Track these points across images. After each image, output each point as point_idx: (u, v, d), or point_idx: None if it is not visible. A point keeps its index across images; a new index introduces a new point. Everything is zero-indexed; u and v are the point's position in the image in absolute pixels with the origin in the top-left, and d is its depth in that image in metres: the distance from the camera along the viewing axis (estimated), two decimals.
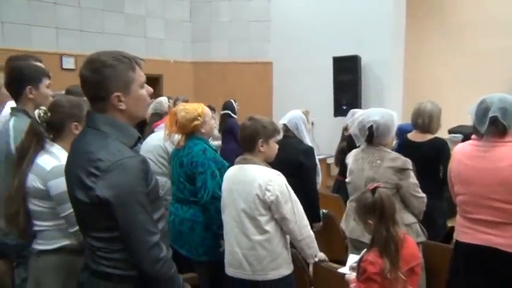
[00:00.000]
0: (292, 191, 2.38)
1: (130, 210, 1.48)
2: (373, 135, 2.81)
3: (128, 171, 1.48)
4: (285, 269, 2.40)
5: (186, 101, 4.57)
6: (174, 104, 4.82)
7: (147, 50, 7.98)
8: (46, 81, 2.43)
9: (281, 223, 2.36)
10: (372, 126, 2.79)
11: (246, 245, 2.36)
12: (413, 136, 3.52)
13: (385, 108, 3.00)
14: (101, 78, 1.51)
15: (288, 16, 8.30)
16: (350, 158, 3.00)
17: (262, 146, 2.43)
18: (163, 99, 4.77)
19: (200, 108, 2.89)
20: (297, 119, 3.55)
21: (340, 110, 7.19)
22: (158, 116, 4.28)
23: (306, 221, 2.41)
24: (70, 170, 1.59)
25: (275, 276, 2.36)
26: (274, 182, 2.32)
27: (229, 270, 2.45)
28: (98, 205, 1.47)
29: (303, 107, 4.62)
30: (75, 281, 1.74)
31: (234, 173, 2.48)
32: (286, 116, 3.61)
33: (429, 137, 3.43)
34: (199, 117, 2.82)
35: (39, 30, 7.03)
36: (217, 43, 8.86)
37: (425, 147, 3.39)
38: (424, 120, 3.43)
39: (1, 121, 2.52)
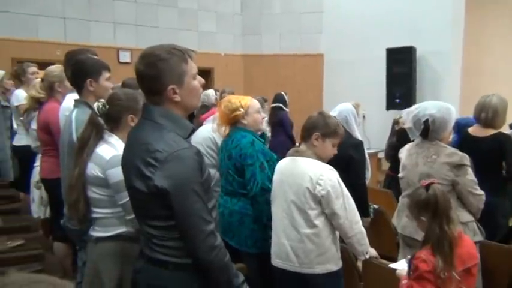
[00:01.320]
0: (344, 186, 2.34)
1: (187, 200, 1.52)
2: (428, 130, 2.71)
3: (184, 161, 1.52)
4: (333, 264, 2.37)
5: (232, 93, 4.62)
6: (221, 96, 4.90)
7: (199, 43, 8.12)
8: (106, 74, 2.52)
9: (331, 218, 2.34)
10: (427, 120, 2.69)
11: (294, 237, 2.36)
12: (475, 131, 3.35)
13: (441, 101, 2.89)
14: (156, 72, 1.54)
15: (340, 7, 8.15)
16: (403, 153, 2.92)
17: (316, 139, 2.40)
18: (210, 92, 4.86)
19: (245, 100, 2.90)
20: (347, 112, 3.49)
21: (393, 103, 7.00)
22: (205, 108, 4.36)
23: (357, 217, 2.37)
24: (127, 160, 1.65)
25: (322, 270, 2.34)
26: (325, 177, 2.30)
27: (276, 261, 2.46)
28: (155, 194, 1.52)
29: (354, 100, 4.55)
30: (130, 268, 1.82)
31: (285, 165, 2.48)
32: (335, 108, 3.56)
33: (491, 132, 3.26)
34: (241, 108, 2.83)
35: (98, 26, 7.33)
36: (267, 35, 8.86)
37: (488, 142, 3.22)
38: (487, 114, 3.25)
39: (65, 113, 2.66)
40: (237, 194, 2.82)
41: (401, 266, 2.25)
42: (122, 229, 2.04)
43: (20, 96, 4.03)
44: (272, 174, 2.60)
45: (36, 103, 3.51)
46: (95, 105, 2.13)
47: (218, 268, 1.59)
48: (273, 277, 2.55)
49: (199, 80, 1.65)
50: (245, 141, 2.76)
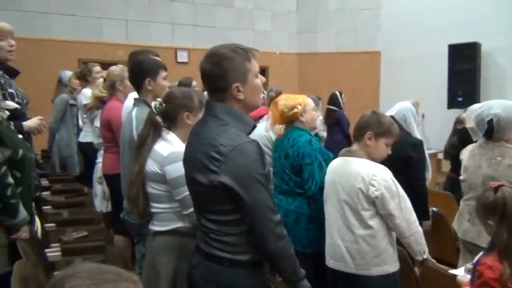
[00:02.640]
0: (399, 186, 2.27)
1: (254, 191, 1.56)
2: (492, 130, 2.57)
3: (248, 154, 1.56)
4: (390, 266, 2.31)
5: (280, 93, 4.61)
6: (268, 95, 4.90)
7: (255, 42, 8.17)
8: (163, 74, 2.60)
9: (386, 219, 2.28)
10: (491, 119, 2.55)
11: (349, 238, 2.32)
12: None
13: (507, 100, 2.72)
14: (222, 70, 1.59)
15: (398, 2, 7.91)
16: (465, 154, 2.78)
17: (369, 139, 2.35)
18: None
19: (301, 98, 2.89)
20: (406, 111, 3.38)
21: (455, 101, 6.71)
22: None
23: (414, 217, 2.30)
24: (190, 155, 1.70)
25: (379, 272, 2.28)
26: (378, 177, 2.24)
27: (330, 262, 2.43)
28: (218, 188, 1.56)
29: (413, 98, 4.39)
30: (186, 262, 1.87)
31: (337, 165, 2.44)
32: (394, 107, 3.46)
33: None
34: (298, 106, 2.82)
35: (157, 27, 7.59)
36: (323, 33, 8.77)
37: None
38: None
39: (127, 111, 2.78)
40: (293, 194, 2.81)
41: (462, 272, 2.15)
42: (178, 224, 2.09)
43: (86, 95, 4.26)
44: None
45: (100, 102, 3.68)
46: (152, 104, 2.20)
47: (285, 258, 1.62)
48: (327, 277, 2.52)
49: (260, 79, 1.68)
50: (302, 140, 2.75)
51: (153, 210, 2.16)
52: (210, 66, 1.61)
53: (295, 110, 2.82)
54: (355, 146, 2.43)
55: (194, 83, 4.38)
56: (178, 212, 2.08)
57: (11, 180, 2.12)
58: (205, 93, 2.01)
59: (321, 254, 2.57)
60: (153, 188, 2.13)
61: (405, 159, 3.11)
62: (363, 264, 2.29)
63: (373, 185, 2.23)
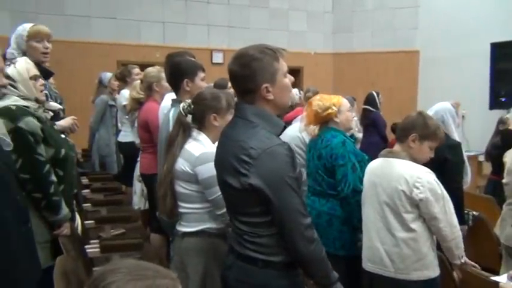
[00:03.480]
0: (443, 189, 2.20)
1: (284, 194, 1.55)
2: None
3: (278, 157, 1.55)
4: (431, 271, 2.24)
5: (316, 93, 4.58)
6: (305, 96, 4.87)
7: (289, 43, 8.15)
8: (201, 75, 2.63)
9: (429, 223, 2.21)
10: None
11: (389, 241, 2.27)
12: None
13: None
14: (250, 71, 1.59)
15: (438, 0, 7.69)
16: (509, 156, 2.68)
17: (413, 141, 2.29)
18: (294, 91, 4.85)
19: (336, 98, 2.85)
20: (444, 112, 3.28)
21: (497, 102, 6.46)
22: (290, 107, 4.36)
23: (456, 220, 2.23)
24: (221, 157, 1.71)
25: (419, 277, 2.22)
26: (423, 179, 2.18)
27: (368, 265, 2.39)
28: (248, 191, 1.56)
29: (453, 99, 4.26)
30: (216, 264, 1.88)
31: (378, 166, 2.39)
32: (432, 108, 3.37)
33: None
34: (333, 106, 2.79)
35: (193, 28, 7.70)
36: (359, 33, 8.64)
37: None
38: None
39: (164, 112, 2.83)
40: (326, 195, 2.78)
41: (504, 279, 2.07)
42: (207, 225, 2.10)
43: (125, 96, 4.37)
44: (363, 175, 2.53)
45: (137, 103, 3.77)
46: (181, 105, 2.21)
47: (316, 261, 1.61)
48: (360, 281, 2.48)
49: (289, 78, 1.68)
50: (336, 141, 2.72)
51: (181, 210, 2.16)
52: (238, 68, 1.61)
53: (330, 111, 2.79)
54: (397, 147, 2.37)
55: (229, 84, 4.40)
56: (209, 212, 2.09)
57: (54, 178, 2.20)
58: None
59: (354, 256, 2.53)
60: (183, 188, 2.13)
61: (442, 162, 3.02)
62: (402, 268, 2.24)
63: (417, 188, 2.17)
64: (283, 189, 1.55)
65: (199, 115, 2.16)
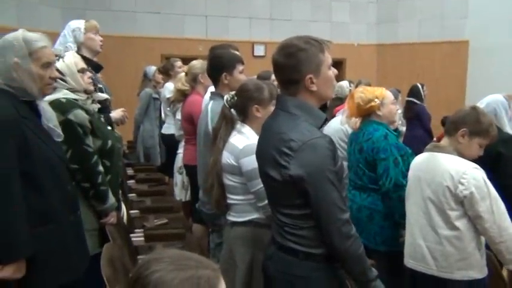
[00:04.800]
0: (491, 187, 2.10)
1: (322, 188, 1.55)
2: None
3: (318, 150, 1.54)
4: (477, 272, 2.15)
5: (369, 85, 4.49)
6: (356, 88, 4.78)
7: (332, 34, 8.03)
8: (240, 67, 2.63)
9: (475, 221, 2.13)
10: None
11: (432, 239, 2.20)
12: None
13: None
14: (295, 62, 1.58)
15: None
16: None
17: (462, 136, 2.19)
18: (344, 83, 4.77)
19: (379, 91, 2.78)
20: (496, 104, 3.13)
21: None
22: (339, 100, 4.29)
23: (508, 222, 2.10)
24: (263, 149, 1.72)
25: (463, 277, 2.15)
26: (469, 175, 2.09)
27: (410, 262, 2.33)
28: (289, 183, 1.56)
29: (505, 91, 4.06)
30: (262, 253, 1.89)
31: (423, 161, 2.32)
32: (483, 100, 3.22)
33: None
34: (376, 99, 2.71)
35: (235, 21, 7.73)
36: (404, 23, 8.39)
37: None
38: None
39: (204, 105, 2.87)
40: (367, 189, 2.73)
41: None
42: (254, 215, 2.12)
43: (169, 89, 4.46)
44: (407, 169, 2.46)
45: (182, 95, 3.83)
46: (225, 97, 2.23)
47: (353, 258, 1.59)
48: (402, 277, 2.43)
49: (333, 71, 1.66)
50: (378, 135, 2.66)
51: (229, 201, 2.20)
52: (283, 58, 1.61)
53: (372, 104, 2.72)
54: (445, 141, 2.28)
55: (273, 76, 4.40)
56: (254, 203, 2.11)
57: (101, 168, 2.29)
58: None
59: (395, 252, 2.48)
60: (229, 180, 2.17)
61: (494, 157, 2.89)
62: (445, 266, 2.17)
63: (462, 184, 2.09)
64: (322, 183, 1.54)
65: (242, 107, 2.17)
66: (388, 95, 2.78)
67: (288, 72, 1.61)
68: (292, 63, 1.59)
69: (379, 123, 2.73)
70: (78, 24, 3.00)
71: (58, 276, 1.85)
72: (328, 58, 1.63)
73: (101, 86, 2.93)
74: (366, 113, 2.76)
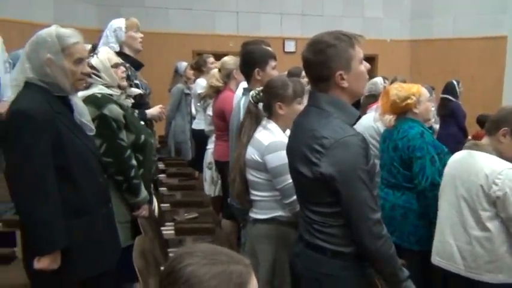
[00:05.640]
0: None
1: (354, 187, 1.53)
2: None
3: (351, 148, 1.52)
4: (506, 276, 2.09)
5: (404, 82, 4.40)
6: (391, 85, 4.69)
7: (364, 30, 7.89)
8: (272, 63, 2.62)
9: (507, 223, 2.06)
10: None
11: (462, 238, 2.15)
12: None
13: None
14: (325, 58, 1.56)
15: None
16: None
17: (504, 136, 2.13)
18: (378, 80, 4.67)
19: (416, 88, 2.72)
20: None
21: None
22: (373, 97, 4.20)
23: None
24: (294, 146, 1.71)
25: (492, 280, 2.08)
26: (504, 176, 2.03)
27: (436, 259, 2.29)
28: (320, 181, 1.55)
29: None
30: (285, 252, 1.88)
31: (459, 158, 2.26)
32: None
33: None
34: (412, 96, 2.65)
35: (266, 17, 7.72)
36: (439, 18, 8.17)
37: None
38: None
39: (236, 100, 2.88)
40: (401, 188, 2.68)
41: None
42: (278, 213, 2.11)
43: (201, 85, 4.50)
44: (443, 167, 2.41)
45: (215, 92, 3.86)
46: (251, 92, 2.23)
47: (383, 258, 1.57)
48: (434, 276, 2.38)
49: (365, 65, 1.63)
50: (414, 132, 2.60)
51: (252, 197, 2.19)
52: (313, 55, 1.59)
53: (409, 101, 2.66)
54: (485, 140, 2.22)
55: (303, 73, 4.38)
56: (279, 200, 2.10)
57: (134, 162, 2.34)
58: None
59: (429, 252, 2.43)
60: (253, 176, 2.16)
61: None
62: (474, 267, 2.11)
63: (496, 184, 2.03)
64: (353, 181, 1.52)
65: (266, 103, 2.17)
66: (425, 92, 2.72)
67: (318, 69, 1.59)
68: (322, 60, 1.57)
69: (414, 121, 2.67)
70: (119, 23, 3.05)
71: (91, 266, 1.90)
72: (359, 53, 1.60)
73: (137, 82, 2.99)
74: (402, 111, 2.70)
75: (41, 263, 1.75)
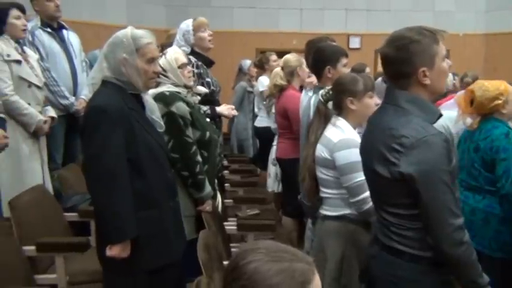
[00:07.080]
0: None
1: (435, 189, 1.46)
2: None
3: (433, 148, 1.46)
4: None
5: (476, 78, 4.15)
6: (461, 81, 4.45)
7: (434, 25, 7.47)
8: (343, 61, 2.57)
9: None
10: None
11: None
12: None
13: None
14: (408, 54, 1.51)
15: None
16: None
17: None
18: (448, 76, 4.47)
19: (503, 85, 2.52)
20: None
21: None
22: (443, 94, 4.03)
23: None
24: (369, 145, 1.66)
25: None
26: None
27: None
28: (399, 181, 1.50)
29: None
30: (354, 250, 1.85)
31: None
32: None
33: None
34: (501, 96, 2.47)
35: (331, 13, 7.61)
36: None
37: None
38: None
39: (305, 99, 2.87)
40: (482, 191, 2.50)
41: None
42: (346, 211, 2.09)
43: (263, 83, 4.53)
44: None
45: (279, 90, 3.87)
46: (320, 92, 2.22)
47: (464, 265, 1.49)
48: None
49: (447, 62, 1.58)
50: (498, 132, 2.42)
51: (322, 195, 2.19)
52: (394, 51, 1.54)
53: (497, 102, 2.46)
54: None
55: (368, 69, 4.28)
56: (346, 198, 2.08)
57: (199, 158, 2.40)
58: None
59: (510, 259, 2.28)
60: (322, 173, 2.16)
61: None
62: None
63: None
64: (435, 184, 1.45)
65: (337, 100, 2.15)
66: (511, 90, 2.53)
67: (399, 66, 1.54)
68: (404, 56, 1.51)
69: (498, 120, 2.49)
70: (187, 26, 3.11)
71: (159, 257, 1.98)
72: (442, 49, 1.55)
73: (208, 79, 3.07)
74: (489, 112, 2.51)
75: (112, 251, 1.85)
